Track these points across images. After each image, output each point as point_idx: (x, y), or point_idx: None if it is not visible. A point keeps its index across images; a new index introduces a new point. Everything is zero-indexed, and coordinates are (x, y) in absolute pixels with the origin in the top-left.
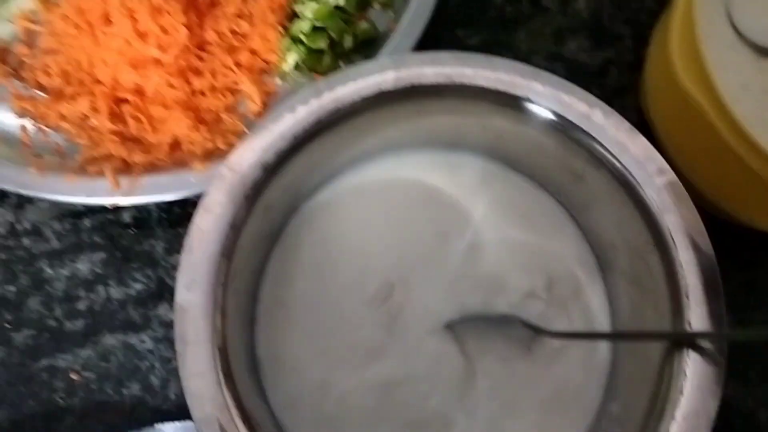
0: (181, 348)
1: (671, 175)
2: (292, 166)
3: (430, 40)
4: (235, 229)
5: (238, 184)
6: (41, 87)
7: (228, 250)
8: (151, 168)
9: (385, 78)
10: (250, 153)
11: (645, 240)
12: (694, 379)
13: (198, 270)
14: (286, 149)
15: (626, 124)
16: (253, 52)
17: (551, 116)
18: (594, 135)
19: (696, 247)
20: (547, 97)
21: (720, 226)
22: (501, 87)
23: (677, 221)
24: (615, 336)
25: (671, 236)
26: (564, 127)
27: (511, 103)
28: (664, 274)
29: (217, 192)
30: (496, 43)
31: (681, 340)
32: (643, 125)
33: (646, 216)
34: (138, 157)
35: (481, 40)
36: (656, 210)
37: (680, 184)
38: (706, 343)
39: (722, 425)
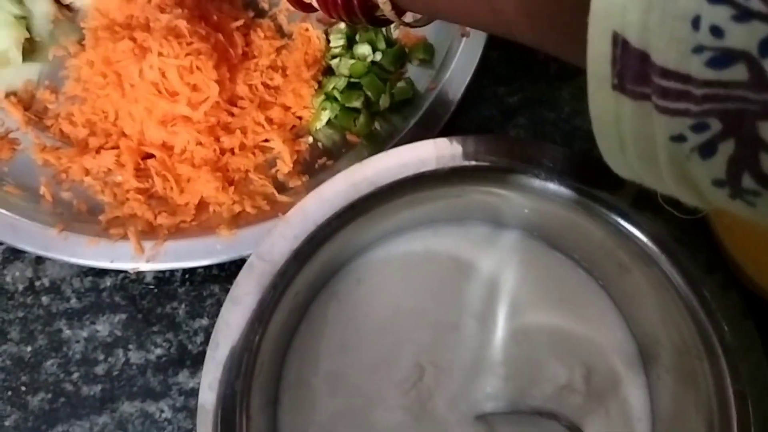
0: None
1: (728, 281)
2: (323, 250)
3: (471, 96)
4: (263, 321)
5: (267, 274)
6: (65, 137)
7: (255, 345)
8: (177, 231)
9: (424, 161)
10: (281, 241)
11: (693, 344)
12: None
13: (223, 369)
14: (320, 236)
15: (680, 222)
16: (286, 108)
17: (597, 207)
18: (642, 234)
19: (748, 358)
20: (593, 187)
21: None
22: (545, 172)
23: (730, 331)
24: None
25: (723, 344)
26: (613, 223)
27: (556, 190)
28: (713, 380)
29: (246, 283)
30: (538, 101)
31: None
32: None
33: (696, 322)
34: (163, 219)
35: (523, 98)
36: (705, 318)
37: (737, 292)
38: None
39: None
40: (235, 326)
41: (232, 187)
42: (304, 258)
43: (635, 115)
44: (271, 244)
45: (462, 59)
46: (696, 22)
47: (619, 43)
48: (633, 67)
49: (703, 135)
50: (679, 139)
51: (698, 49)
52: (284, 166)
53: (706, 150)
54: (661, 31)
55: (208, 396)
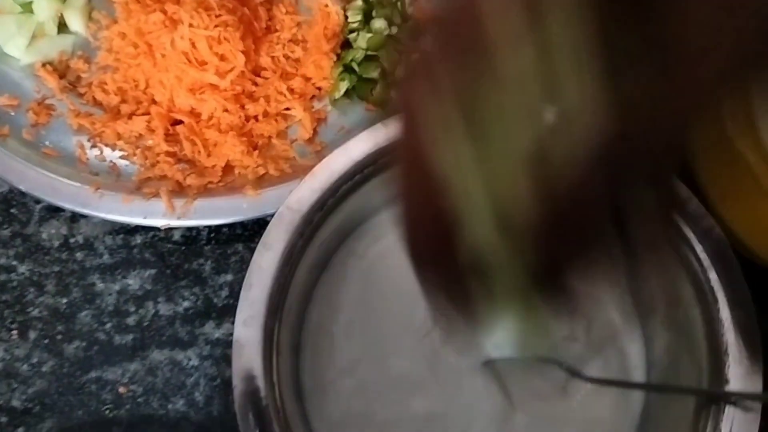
0: (238, 382)
1: (718, 232)
2: (347, 204)
3: None
4: (292, 266)
5: (296, 222)
6: (98, 104)
7: (284, 287)
8: (205, 191)
9: None
10: (308, 193)
11: (686, 293)
12: None
13: (256, 307)
14: (343, 189)
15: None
16: (306, 78)
17: None
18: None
19: (738, 305)
20: None
21: (760, 273)
22: None
23: (720, 279)
24: (649, 387)
25: (713, 293)
26: None
27: None
28: (704, 327)
29: (277, 230)
30: None
31: (717, 397)
32: (686, 171)
33: (689, 271)
34: (192, 180)
35: None
36: (699, 267)
37: (726, 242)
38: (743, 402)
39: None
40: (267, 268)
41: (257, 151)
42: (330, 209)
43: None
44: (299, 195)
45: None
46: None
47: None
48: None
49: None
50: None
51: None
52: (305, 132)
53: None
54: None
55: (242, 331)
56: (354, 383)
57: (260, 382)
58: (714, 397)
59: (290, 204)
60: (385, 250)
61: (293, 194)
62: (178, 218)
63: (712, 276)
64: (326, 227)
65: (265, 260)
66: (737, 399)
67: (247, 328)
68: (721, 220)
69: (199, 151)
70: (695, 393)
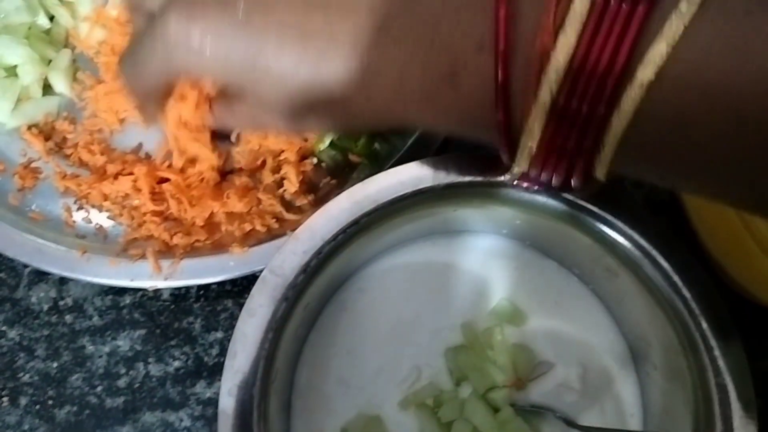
0: None
1: (707, 282)
2: (331, 264)
3: None
4: (277, 330)
5: (279, 287)
6: (84, 164)
7: (270, 353)
8: (192, 251)
9: (421, 179)
10: (291, 256)
11: (677, 342)
12: None
13: (240, 376)
14: (327, 250)
15: (660, 228)
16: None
17: (585, 216)
18: (626, 241)
19: (728, 353)
20: (581, 197)
21: (750, 309)
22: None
23: (710, 328)
24: None
25: (703, 341)
26: (599, 232)
27: (545, 201)
28: (696, 374)
29: (260, 295)
30: None
31: None
32: (675, 203)
33: (678, 321)
34: (178, 239)
35: None
36: (688, 318)
37: (715, 291)
38: None
39: None
40: (251, 336)
41: (245, 198)
42: (313, 271)
43: None
44: (282, 259)
45: None
46: None
47: None
48: None
49: None
50: None
51: None
52: (291, 186)
53: None
54: None
55: (227, 401)
56: None
57: None
58: None
59: (273, 268)
60: (371, 303)
61: (276, 258)
62: (165, 279)
63: (703, 325)
64: (311, 289)
65: (249, 327)
66: None
67: (232, 398)
68: (710, 255)
69: (186, 210)
70: None
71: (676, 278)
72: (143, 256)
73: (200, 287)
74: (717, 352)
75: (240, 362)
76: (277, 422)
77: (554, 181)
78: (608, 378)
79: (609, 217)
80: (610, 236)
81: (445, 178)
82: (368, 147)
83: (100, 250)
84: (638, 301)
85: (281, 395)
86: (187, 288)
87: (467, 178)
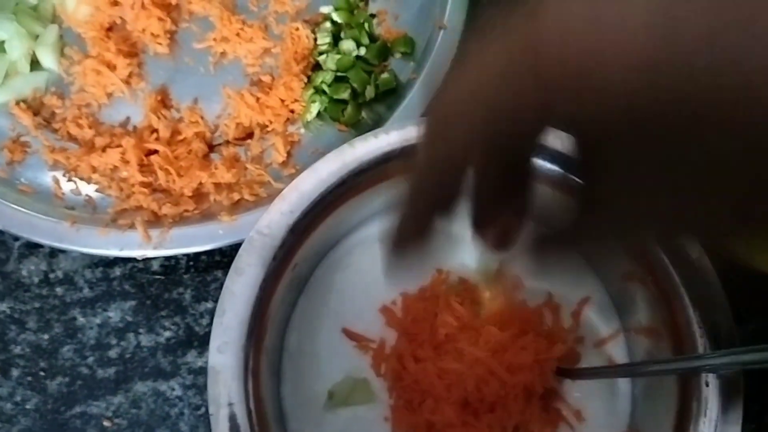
0: (215, 410)
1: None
2: (319, 226)
3: None
4: (265, 290)
5: (267, 247)
6: (73, 138)
7: (259, 312)
8: (180, 220)
9: (408, 140)
10: (278, 216)
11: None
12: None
13: (230, 333)
14: (314, 211)
15: None
16: (280, 100)
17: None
18: None
19: (715, 312)
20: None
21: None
22: None
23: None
24: (633, 371)
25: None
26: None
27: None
28: (683, 330)
29: (248, 255)
30: None
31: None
32: None
33: (664, 277)
34: (167, 209)
35: None
36: (674, 278)
37: (702, 251)
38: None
39: None
40: (240, 294)
41: (233, 170)
42: (301, 232)
43: None
44: (269, 219)
45: (441, 50)
46: None
47: None
48: None
49: None
50: None
51: None
52: (278, 156)
53: None
54: None
55: (217, 358)
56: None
57: (237, 409)
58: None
59: (260, 228)
60: (361, 266)
61: (263, 218)
62: (155, 248)
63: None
64: (300, 250)
65: (237, 286)
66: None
67: (221, 355)
68: None
69: (174, 180)
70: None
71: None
72: (132, 226)
73: (190, 258)
74: (703, 310)
75: (229, 319)
76: (268, 384)
77: None
78: (596, 334)
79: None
80: None
81: None
82: (355, 116)
83: (89, 221)
84: (623, 261)
85: (271, 358)
86: (177, 259)
87: None
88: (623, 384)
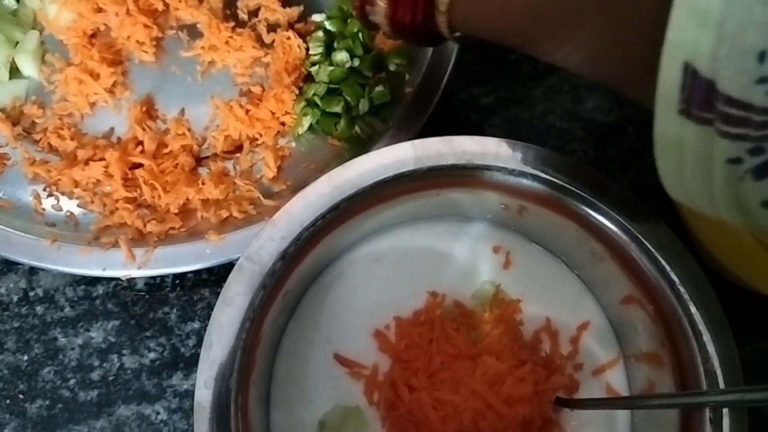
0: None
1: (695, 267)
2: (310, 251)
3: (447, 98)
4: (255, 320)
5: (257, 275)
6: (54, 150)
7: (247, 343)
8: (166, 238)
9: (403, 162)
10: (269, 243)
11: (661, 327)
12: None
13: (217, 367)
14: (305, 237)
15: (647, 210)
16: (270, 113)
17: (565, 198)
18: (612, 224)
19: (718, 338)
20: (565, 181)
21: (735, 292)
22: (515, 167)
23: (699, 313)
24: (633, 403)
25: (691, 327)
26: (584, 216)
27: (526, 183)
28: (686, 361)
29: (237, 284)
30: (512, 101)
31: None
32: (661, 188)
33: (666, 304)
34: (152, 227)
35: (497, 98)
36: (675, 302)
37: (704, 276)
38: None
39: None
40: (228, 326)
41: (222, 185)
42: (292, 258)
43: (697, 138)
44: (259, 246)
45: (437, 63)
46: (762, 57)
47: (690, 71)
48: (700, 94)
49: (758, 158)
50: (735, 161)
51: (762, 81)
52: (269, 171)
53: (760, 172)
54: (728, 62)
55: (203, 393)
56: None
57: None
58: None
59: (250, 255)
60: (352, 290)
61: (253, 245)
62: (139, 268)
63: (692, 310)
64: (290, 276)
65: (226, 317)
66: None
67: (208, 390)
68: (696, 239)
69: (159, 196)
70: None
71: (663, 263)
72: (116, 245)
73: (176, 276)
74: (706, 337)
75: (216, 353)
76: (256, 414)
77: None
78: (595, 361)
79: (593, 200)
80: (594, 219)
81: (427, 161)
82: (348, 130)
83: (70, 238)
84: (623, 286)
85: (260, 386)
86: (162, 277)
87: (450, 162)
88: (622, 413)
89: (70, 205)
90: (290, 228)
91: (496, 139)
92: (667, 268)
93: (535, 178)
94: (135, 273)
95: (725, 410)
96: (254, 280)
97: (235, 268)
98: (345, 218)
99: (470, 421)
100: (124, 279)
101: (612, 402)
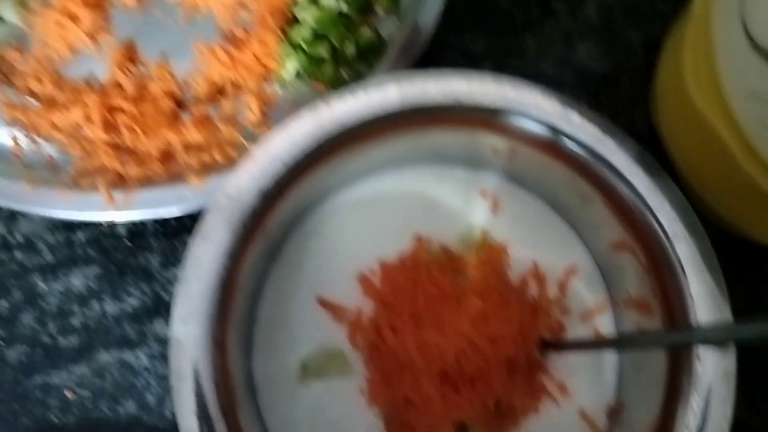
0: (177, 384)
1: (685, 205)
2: (292, 190)
3: (436, 44)
4: (234, 258)
5: (236, 211)
6: (33, 94)
7: (226, 281)
8: (146, 182)
9: (388, 98)
10: (248, 179)
11: (653, 267)
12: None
13: (195, 302)
14: (286, 174)
15: (636, 150)
16: (254, 56)
17: (559, 138)
18: (603, 161)
19: (707, 276)
20: (557, 119)
21: (729, 241)
22: (507, 106)
23: (688, 252)
24: (621, 343)
25: (681, 267)
26: (575, 156)
27: (518, 123)
28: (675, 302)
29: (215, 220)
30: (503, 48)
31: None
32: (654, 137)
33: (658, 246)
34: (132, 170)
35: (488, 46)
36: (665, 241)
37: (694, 214)
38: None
39: None
40: (206, 261)
41: (205, 129)
42: (273, 196)
43: None
44: (237, 181)
45: (427, 7)
46: None
47: None
48: None
49: None
50: None
51: None
52: (252, 115)
53: None
54: None
55: (181, 329)
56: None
57: (204, 383)
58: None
59: (228, 191)
60: (336, 236)
61: (231, 180)
62: (118, 210)
63: (680, 248)
64: (271, 216)
65: (203, 252)
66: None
67: (186, 326)
68: (687, 183)
69: (140, 139)
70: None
71: (653, 201)
72: (95, 187)
73: (158, 222)
74: (698, 281)
75: (193, 288)
76: (237, 356)
77: None
78: (583, 305)
79: (588, 143)
80: (588, 159)
81: (414, 99)
82: (333, 74)
83: (50, 182)
84: (613, 229)
85: (241, 329)
86: (144, 224)
87: (439, 99)
88: (610, 356)
89: (49, 149)
90: (270, 165)
91: (487, 74)
92: (657, 206)
93: (530, 118)
94: (114, 215)
95: (713, 348)
96: (233, 216)
97: (213, 203)
98: (329, 156)
99: (454, 360)
100: (105, 224)
101: (597, 342)
